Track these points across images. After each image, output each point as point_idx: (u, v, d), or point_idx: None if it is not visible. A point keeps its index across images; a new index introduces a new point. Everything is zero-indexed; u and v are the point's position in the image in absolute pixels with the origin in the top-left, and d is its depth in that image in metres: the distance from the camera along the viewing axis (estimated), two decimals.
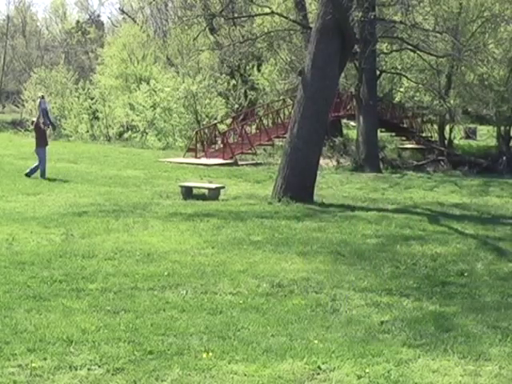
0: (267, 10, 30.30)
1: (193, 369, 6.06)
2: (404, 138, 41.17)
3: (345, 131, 40.69)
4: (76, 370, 6.02)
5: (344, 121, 40.88)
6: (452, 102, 34.24)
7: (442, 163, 33.72)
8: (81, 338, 6.71)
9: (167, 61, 46.05)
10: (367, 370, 6.17)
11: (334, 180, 23.24)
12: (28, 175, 19.46)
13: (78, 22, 68.11)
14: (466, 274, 9.98)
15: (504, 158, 33.24)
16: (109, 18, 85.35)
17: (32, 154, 27.13)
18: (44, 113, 20.71)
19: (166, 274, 9.24)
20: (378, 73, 31.19)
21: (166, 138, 36.76)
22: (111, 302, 7.91)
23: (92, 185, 18.60)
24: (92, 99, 42.15)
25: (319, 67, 16.90)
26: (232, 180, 21.67)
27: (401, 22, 25.47)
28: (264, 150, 32.78)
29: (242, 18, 34.46)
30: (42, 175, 19.57)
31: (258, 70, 40.63)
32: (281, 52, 36.63)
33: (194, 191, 17.29)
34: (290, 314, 7.71)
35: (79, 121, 41.62)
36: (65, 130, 41.28)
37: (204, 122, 35.60)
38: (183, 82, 36.50)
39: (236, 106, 39.83)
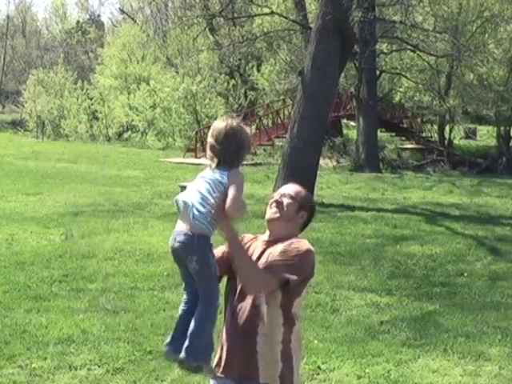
0: (267, 10, 30.28)
1: None
2: (404, 138, 41.13)
3: (345, 131, 40.64)
4: (76, 370, 6.02)
5: (344, 121, 40.85)
6: (452, 102, 34.22)
7: (442, 163, 33.70)
8: (81, 338, 6.71)
9: (167, 61, 46.00)
10: (367, 370, 6.17)
11: (333, 180, 23.23)
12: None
13: (78, 21, 67.99)
14: (465, 274, 9.98)
15: (504, 158, 33.21)
16: (109, 19, 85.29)
17: (32, 154, 27.25)
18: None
19: (165, 273, 9.24)
20: (377, 73, 31.18)
21: (165, 138, 36.76)
22: (111, 302, 7.91)
23: (92, 185, 18.59)
24: (91, 99, 42.18)
25: (319, 67, 16.89)
26: None
27: (401, 22, 25.47)
28: (264, 150, 32.77)
29: (242, 18, 34.45)
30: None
31: (258, 70, 40.59)
32: (280, 52, 36.58)
33: None
34: None
35: (78, 121, 41.65)
36: (64, 130, 41.32)
37: (204, 122, 35.58)
38: (183, 81, 36.50)
39: (236, 105, 39.81)
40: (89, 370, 6.03)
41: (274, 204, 3.46)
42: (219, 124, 3.28)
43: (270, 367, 3.34)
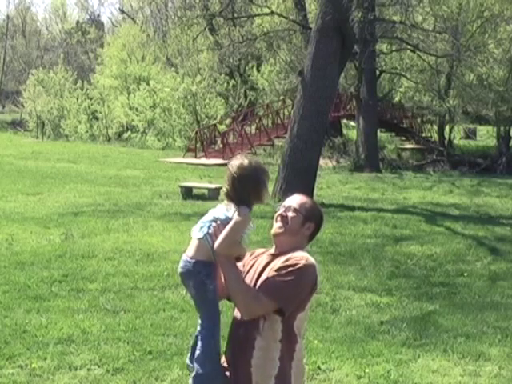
0: (267, 10, 30.30)
1: None
2: (404, 138, 41.19)
3: (345, 131, 40.68)
4: (76, 370, 6.02)
5: (344, 121, 40.88)
6: (451, 102, 34.24)
7: (442, 163, 33.73)
8: (81, 338, 6.71)
9: (167, 61, 46.02)
10: (367, 370, 6.17)
11: (333, 180, 23.24)
12: None
13: (78, 22, 68.06)
14: (465, 274, 9.98)
15: (504, 158, 33.23)
16: (109, 19, 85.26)
17: (32, 154, 27.28)
18: None
19: (165, 273, 9.23)
20: (377, 73, 31.20)
21: (165, 138, 36.78)
22: (111, 302, 7.91)
23: (92, 185, 18.59)
24: (91, 99, 42.20)
25: (319, 67, 16.89)
26: None
27: (401, 22, 25.48)
28: (264, 150, 32.77)
29: (242, 18, 34.46)
30: None
31: (258, 70, 40.61)
32: (280, 52, 36.60)
33: (194, 191, 17.29)
34: None
35: (78, 121, 41.66)
36: (64, 130, 41.32)
37: (204, 122, 35.60)
38: (183, 82, 36.52)
39: (236, 106, 39.82)
40: (89, 370, 6.03)
41: (279, 218, 3.44)
42: (232, 163, 3.33)
43: (263, 383, 3.29)
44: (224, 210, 3.33)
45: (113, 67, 42.88)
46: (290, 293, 3.25)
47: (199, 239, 3.29)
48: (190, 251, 3.31)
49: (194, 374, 3.31)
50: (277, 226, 3.45)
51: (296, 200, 3.49)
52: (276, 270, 3.30)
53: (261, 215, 14.33)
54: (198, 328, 3.41)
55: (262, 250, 3.56)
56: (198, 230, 3.32)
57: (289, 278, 3.27)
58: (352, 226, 13.51)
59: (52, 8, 72.24)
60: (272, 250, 3.47)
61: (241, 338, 3.34)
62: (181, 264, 3.33)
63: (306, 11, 31.62)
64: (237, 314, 3.43)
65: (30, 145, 33.13)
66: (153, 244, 11.14)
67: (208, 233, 3.27)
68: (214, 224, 3.29)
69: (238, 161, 3.31)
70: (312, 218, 3.47)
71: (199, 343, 3.33)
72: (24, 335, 6.74)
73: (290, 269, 3.29)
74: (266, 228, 12.68)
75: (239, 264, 3.44)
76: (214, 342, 3.34)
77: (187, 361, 3.46)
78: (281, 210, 3.44)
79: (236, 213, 3.25)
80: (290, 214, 3.41)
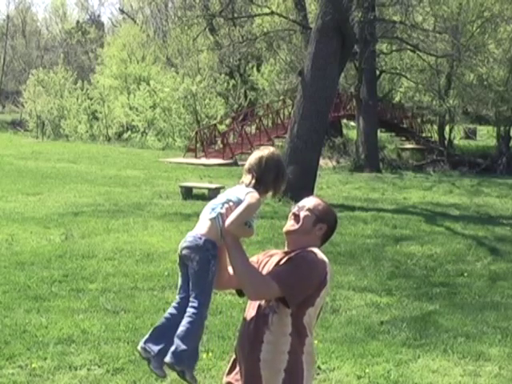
0: (267, 10, 30.31)
1: None
2: (404, 139, 41.20)
3: (345, 131, 40.68)
4: (76, 370, 6.02)
5: (344, 121, 40.89)
6: (451, 102, 34.26)
7: (442, 163, 33.72)
8: (81, 338, 6.71)
9: (167, 61, 46.03)
10: (367, 370, 6.17)
11: (333, 180, 23.23)
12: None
13: (77, 22, 68.09)
14: (465, 274, 9.98)
15: (504, 158, 33.24)
16: (109, 19, 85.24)
17: (32, 154, 27.28)
18: None
19: (165, 273, 9.24)
20: (377, 73, 31.20)
21: (165, 138, 36.78)
22: (111, 302, 7.91)
23: (92, 185, 18.59)
24: (91, 99, 42.21)
25: (319, 67, 16.90)
26: (232, 180, 21.66)
27: (401, 22, 25.50)
28: None
29: (242, 18, 34.47)
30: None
31: (258, 70, 40.62)
32: (280, 52, 36.62)
33: (194, 191, 17.29)
34: None
35: (78, 121, 41.66)
36: (64, 130, 41.32)
37: (204, 122, 35.60)
38: (183, 82, 36.53)
39: (236, 106, 39.83)
40: (89, 370, 6.03)
41: (292, 216, 3.50)
42: (262, 148, 3.43)
43: (272, 377, 3.29)
44: (235, 191, 3.34)
45: (113, 67, 42.88)
46: (295, 281, 3.27)
47: (211, 219, 3.29)
48: (200, 229, 3.28)
49: (173, 349, 3.27)
50: (289, 224, 3.51)
51: (311, 201, 3.54)
52: (286, 260, 3.36)
53: (260, 215, 14.35)
54: (171, 310, 3.37)
55: (277, 250, 3.61)
56: (209, 212, 3.31)
57: (296, 267, 3.30)
58: (352, 226, 13.51)
59: (52, 8, 72.30)
60: (285, 249, 3.52)
61: (251, 334, 3.35)
62: (188, 239, 3.29)
63: (306, 11, 31.61)
64: (247, 312, 3.44)
65: (30, 145, 33.13)
66: (153, 244, 11.14)
67: (220, 213, 3.28)
68: (226, 205, 3.30)
69: (270, 149, 3.41)
70: (324, 219, 3.50)
71: (187, 319, 3.30)
72: (24, 335, 6.74)
73: (299, 260, 3.34)
74: (266, 228, 12.70)
75: (253, 259, 3.49)
76: (202, 321, 3.32)
77: (142, 344, 3.37)
78: (295, 209, 3.50)
79: (249, 194, 3.28)
80: (303, 213, 3.46)
